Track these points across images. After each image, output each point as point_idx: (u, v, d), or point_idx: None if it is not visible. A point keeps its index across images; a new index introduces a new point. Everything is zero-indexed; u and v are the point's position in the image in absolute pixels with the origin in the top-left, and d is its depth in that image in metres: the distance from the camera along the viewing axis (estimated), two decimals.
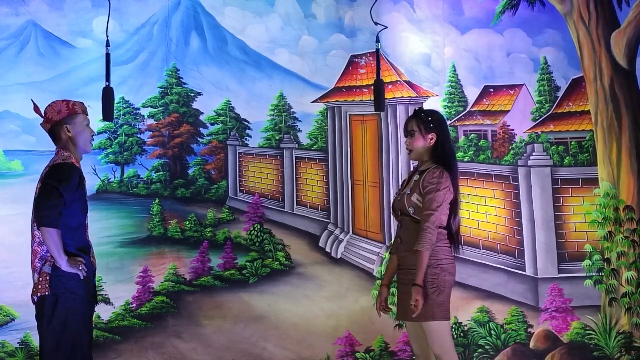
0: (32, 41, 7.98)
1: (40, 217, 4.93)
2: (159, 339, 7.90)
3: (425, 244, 5.05)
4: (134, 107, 8.22)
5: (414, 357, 5.52)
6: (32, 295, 5.09)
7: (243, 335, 8.03)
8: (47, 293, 4.99)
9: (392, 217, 5.55)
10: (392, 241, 6.02)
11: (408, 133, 5.36)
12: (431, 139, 5.29)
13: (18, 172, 7.84)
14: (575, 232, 8.24)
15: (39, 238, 5.06)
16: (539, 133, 8.37)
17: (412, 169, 5.56)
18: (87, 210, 5.24)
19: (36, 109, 5.25)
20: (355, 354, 8.10)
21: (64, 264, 4.95)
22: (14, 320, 7.57)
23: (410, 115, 5.50)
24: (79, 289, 5.05)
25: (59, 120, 5.19)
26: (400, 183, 5.82)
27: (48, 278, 4.99)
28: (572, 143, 8.37)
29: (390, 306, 5.46)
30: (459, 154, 8.23)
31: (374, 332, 8.11)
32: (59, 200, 4.91)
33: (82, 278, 5.02)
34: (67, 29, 8.05)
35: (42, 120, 5.24)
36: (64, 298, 5.01)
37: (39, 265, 5.05)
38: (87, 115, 5.34)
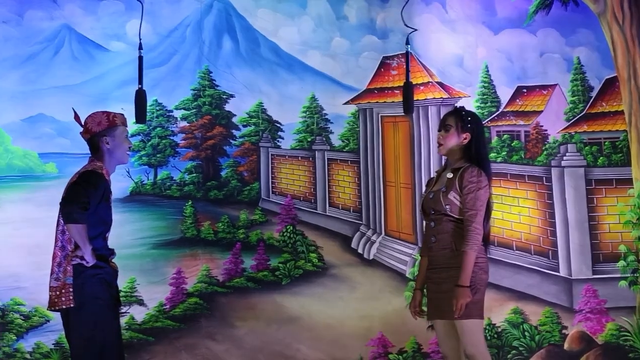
0: (66, 44, 8.03)
1: (67, 214, 4.95)
2: (192, 340, 7.92)
3: (473, 244, 5.03)
4: (166, 109, 8.26)
5: (443, 359, 5.49)
6: (51, 307, 5.11)
7: (276, 336, 8.04)
8: (71, 305, 5.01)
9: (422, 217, 5.51)
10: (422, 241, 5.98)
11: (443, 127, 5.33)
12: (465, 138, 5.27)
13: (53, 175, 7.90)
14: (609, 232, 8.18)
15: (61, 242, 5.11)
16: (572, 133, 8.32)
17: None
18: (109, 223, 5.26)
19: (76, 117, 5.26)
20: (388, 355, 8.09)
21: (88, 252, 4.96)
22: (48, 321, 7.63)
23: (448, 111, 5.48)
24: (102, 293, 5.07)
25: (98, 132, 5.23)
26: (426, 182, 5.79)
27: (71, 289, 5.01)
28: (606, 143, 8.31)
29: (424, 308, 5.44)
30: (492, 155, 8.19)
31: (406, 333, 8.09)
32: (85, 199, 4.94)
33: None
34: (100, 32, 8.10)
35: (80, 128, 5.27)
36: (89, 305, 5.02)
37: (57, 270, 5.08)
38: (127, 126, 5.36)
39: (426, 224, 5.44)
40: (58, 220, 5.15)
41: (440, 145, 5.36)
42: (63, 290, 5.01)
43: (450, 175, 5.25)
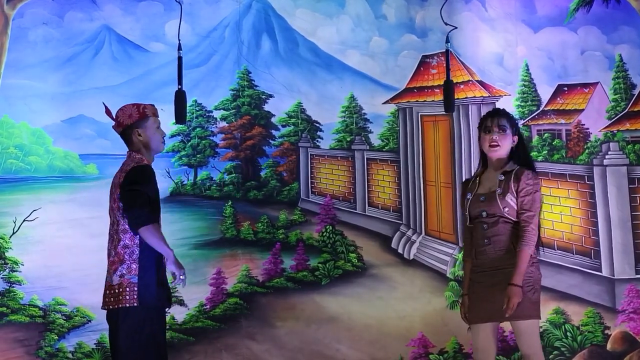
0: (106, 46, 8.08)
1: (134, 219, 4.89)
2: (232, 340, 7.94)
3: (531, 244, 5.09)
4: (206, 110, 8.28)
5: None
6: (108, 306, 5.01)
7: (316, 336, 8.04)
8: (135, 304, 4.93)
9: (468, 218, 5.44)
10: (463, 245, 5.91)
11: (499, 127, 5.27)
12: (514, 141, 5.33)
13: (93, 176, 7.95)
14: None
15: (123, 240, 5.06)
16: (614, 131, 8.24)
17: None
18: (159, 211, 5.27)
19: (107, 111, 5.27)
20: (429, 355, 8.05)
21: (171, 256, 4.94)
22: (90, 321, 7.67)
23: (497, 112, 5.40)
24: (161, 295, 5.06)
25: (130, 124, 5.22)
26: (462, 185, 5.77)
27: (135, 289, 4.94)
28: None
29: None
30: (533, 154, 8.13)
31: (447, 333, 8.06)
32: (143, 199, 4.89)
33: (181, 284, 5.03)
34: (139, 33, 8.14)
35: (113, 123, 5.29)
36: (150, 308, 4.99)
37: (120, 268, 5.01)
38: (158, 116, 5.34)
39: (469, 227, 5.38)
40: (115, 220, 5.14)
41: (497, 146, 5.27)
42: (127, 289, 4.96)
43: (501, 177, 5.22)
